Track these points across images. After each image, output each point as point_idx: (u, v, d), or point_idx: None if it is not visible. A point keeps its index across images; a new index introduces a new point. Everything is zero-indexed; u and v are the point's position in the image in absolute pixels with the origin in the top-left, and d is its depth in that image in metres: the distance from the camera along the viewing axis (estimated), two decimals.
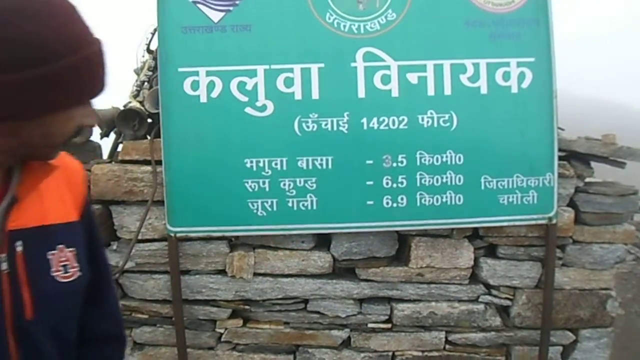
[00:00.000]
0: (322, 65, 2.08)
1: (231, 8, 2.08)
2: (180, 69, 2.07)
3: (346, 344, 2.38)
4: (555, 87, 2.12)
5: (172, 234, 2.13)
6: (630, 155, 2.20)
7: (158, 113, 2.11)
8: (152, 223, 2.23)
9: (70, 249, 0.86)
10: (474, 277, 2.33)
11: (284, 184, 2.08)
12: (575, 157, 2.28)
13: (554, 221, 2.17)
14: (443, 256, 2.25)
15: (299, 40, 2.09)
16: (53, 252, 0.83)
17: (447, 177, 2.10)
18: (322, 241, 2.29)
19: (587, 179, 2.28)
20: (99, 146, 2.50)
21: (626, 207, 2.27)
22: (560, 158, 2.22)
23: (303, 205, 2.10)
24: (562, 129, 2.31)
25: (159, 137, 2.13)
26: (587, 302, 2.36)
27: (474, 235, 2.27)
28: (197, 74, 2.07)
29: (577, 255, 2.31)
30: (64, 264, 0.84)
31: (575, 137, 2.25)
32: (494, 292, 2.33)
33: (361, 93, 2.08)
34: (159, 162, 2.14)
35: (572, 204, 2.28)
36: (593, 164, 2.32)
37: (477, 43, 2.09)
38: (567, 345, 2.43)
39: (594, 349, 2.43)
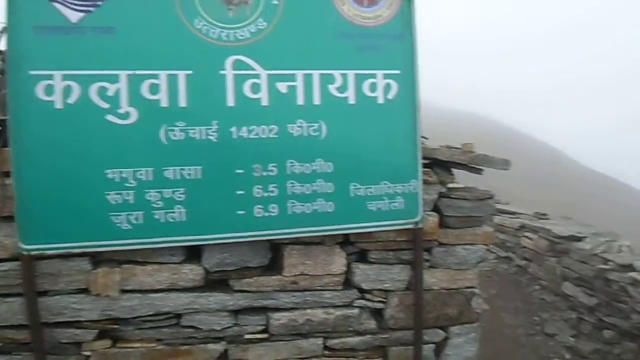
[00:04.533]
0: (190, 72, 2.28)
1: (92, 9, 2.18)
2: (32, 72, 2.12)
3: (223, 357, 2.60)
4: (419, 98, 2.54)
5: (26, 253, 2.20)
6: (487, 162, 2.70)
7: (6, 120, 2.18)
8: (1, 242, 2.28)
9: None
10: (348, 283, 2.69)
11: (150, 196, 2.26)
12: (438, 165, 2.73)
13: (420, 226, 2.60)
14: (316, 263, 2.58)
15: (166, 45, 2.25)
16: None
17: (317, 186, 2.42)
18: (193, 253, 2.49)
19: (450, 185, 2.76)
20: None
21: (484, 210, 2.76)
22: (424, 166, 2.64)
23: (171, 217, 2.30)
24: (426, 138, 2.75)
25: (7, 146, 2.18)
26: (454, 301, 2.84)
27: (345, 241, 2.63)
28: (51, 78, 2.14)
29: (443, 257, 2.77)
30: None
31: (437, 146, 2.70)
32: (367, 296, 2.71)
33: (231, 102, 2.31)
34: (7, 174, 2.21)
35: (436, 208, 2.73)
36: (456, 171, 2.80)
37: (346, 55, 2.43)
38: (439, 343, 2.87)
39: (463, 344, 2.91)
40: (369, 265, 2.66)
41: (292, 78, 2.36)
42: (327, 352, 2.73)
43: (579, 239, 5.84)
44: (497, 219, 7.34)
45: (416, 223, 2.56)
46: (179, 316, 2.54)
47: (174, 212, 2.29)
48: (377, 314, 2.78)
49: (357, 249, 2.65)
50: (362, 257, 2.68)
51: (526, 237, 6.58)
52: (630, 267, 5.17)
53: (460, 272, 2.79)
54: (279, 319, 2.61)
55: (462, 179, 2.82)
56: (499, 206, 7.73)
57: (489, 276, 6.66)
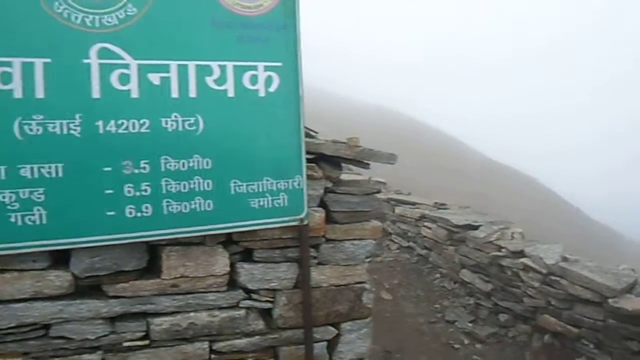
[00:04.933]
0: (48, 60, 2.08)
1: None
2: None
3: None
4: (301, 91, 2.48)
5: None
6: (373, 156, 2.71)
7: None
8: None
9: None
10: (233, 283, 2.61)
11: (4, 197, 2.06)
12: (324, 160, 2.71)
13: (305, 222, 2.57)
14: (197, 264, 2.48)
15: (20, 30, 2.04)
16: None
17: (194, 183, 2.32)
18: (60, 258, 2.31)
19: (341, 179, 2.74)
20: None
21: (371, 204, 2.78)
22: (309, 160, 2.62)
23: (30, 219, 2.10)
24: (315, 132, 2.73)
25: None
26: (344, 297, 2.84)
27: (228, 240, 2.55)
28: None
29: (331, 253, 2.76)
30: None
31: (323, 140, 2.68)
32: (254, 296, 2.65)
33: (96, 93, 2.14)
34: None
35: (322, 204, 2.72)
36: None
37: (225, 45, 2.34)
38: (331, 340, 2.86)
39: (355, 340, 2.93)
40: (254, 264, 2.60)
41: (165, 69, 2.24)
42: (213, 356, 2.64)
43: (475, 227, 6.12)
44: (399, 210, 7.55)
45: (301, 219, 2.53)
46: (47, 326, 2.35)
47: (32, 214, 2.10)
48: (266, 313, 2.73)
49: (241, 247, 2.58)
50: (247, 256, 2.61)
51: (426, 226, 6.82)
52: (521, 253, 5.49)
53: (349, 267, 2.79)
54: (160, 324, 2.49)
55: (378, 172, 2.82)
56: (400, 197, 7.97)
57: (391, 266, 6.85)
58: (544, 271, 5.05)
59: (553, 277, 4.97)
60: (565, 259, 5.17)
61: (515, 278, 5.48)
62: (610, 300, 4.41)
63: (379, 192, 2.77)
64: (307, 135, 2.81)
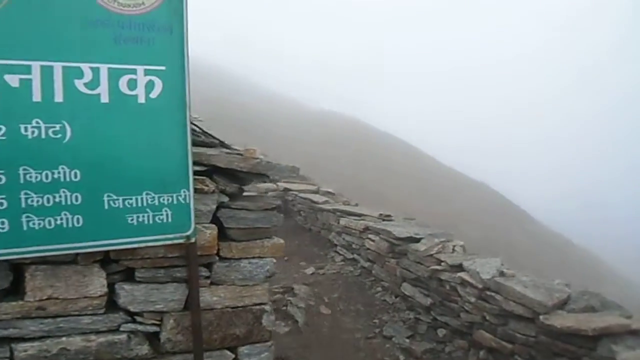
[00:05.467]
0: None
1: None
2: None
3: None
4: (188, 97, 2.30)
5: None
6: (271, 169, 2.54)
7: None
8: None
9: None
10: (113, 305, 2.41)
11: None
12: (219, 172, 2.53)
13: (192, 240, 2.37)
14: (68, 285, 2.26)
15: None
16: None
17: (60, 197, 2.10)
18: None
19: (246, 193, 2.56)
20: None
21: (270, 220, 2.61)
22: (200, 173, 2.43)
23: None
24: (220, 141, 2.54)
25: None
26: (241, 320, 2.65)
27: (106, 259, 2.35)
28: None
29: (226, 273, 2.57)
30: None
31: (216, 152, 2.49)
32: (138, 319, 2.44)
33: None
34: None
35: (216, 220, 2.54)
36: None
37: (98, 45, 2.13)
38: None
39: None
40: (136, 284, 2.39)
41: (25, 70, 2.02)
42: None
43: (417, 240, 6.01)
44: (344, 221, 7.40)
45: (187, 237, 2.33)
46: None
47: None
48: (153, 337, 2.52)
49: (121, 267, 2.37)
50: (129, 275, 2.40)
51: (369, 238, 6.67)
52: (459, 267, 5.38)
53: (246, 287, 2.62)
54: (26, 349, 2.26)
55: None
56: (346, 208, 7.82)
57: (333, 279, 6.68)
58: (480, 286, 4.95)
59: (488, 292, 4.87)
60: (502, 274, 5.08)
61: (453, 292, 5.37)
62: (541, 317, 4.33)
63: (277, 208, 2.59)
64: (204, 144, 2.63)
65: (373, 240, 6.59)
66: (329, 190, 9.49)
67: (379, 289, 6.47)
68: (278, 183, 9.92)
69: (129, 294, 2.38)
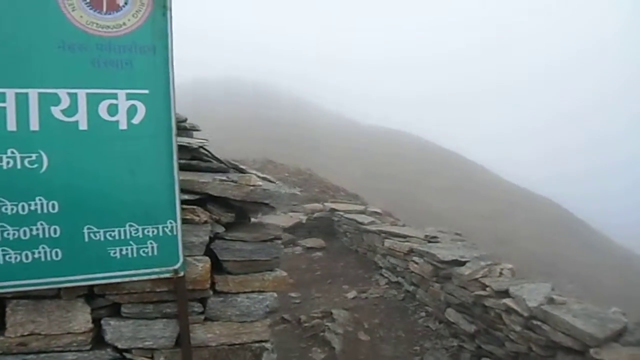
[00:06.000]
0: None
1: None
2: None
3: None
4: (174, 122, 2.16)
5: None
6: (269, 197, 2.35)
7: None
8: None
9: None
10: (101, 341, 2.28)
11: None
12: (214, 201, 2.37)
13: (181, 273, 2.21)
14: (51, 320, 2.15)
15: None
16: None
17: (37, 229, 2.00)
18: None
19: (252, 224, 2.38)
20: None
21: (269, 252, 2.42)
22: (192, 202, 2.28)
23: None
24: (212, 158, 2.37)
25: None
26: (239, 358, 2.45)
27: (92, 293, 2.23)
28: None
29: (221, 308, 2.40)
30: None
31: (210, 179, 2.33)
32: (128, 355, 2.31)
33: None
34: None
35: (210, 252, 2.37)
36: None
37: (76, 70, 2.03)
38: None
39: None
40: (123, 320, 2.26)
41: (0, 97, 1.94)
42: None
43: (462, 264, 5.64)
44: (388, 242, 7.09)
45: (175, 271, 2.17)
46: None
47: None
48: None
49: (108, 301, 2.23)
50: (115, 311, 2.27)
51: (414, 261, 6.34)
52: (505, 293, 4.99)
53: (244, 324, 2.43)
54: None
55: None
56: (392, 229, 7.49)
57: (375, 304, 6.38)
58: (526, 314, 4.55)
59: (535, 322, 4.46)
60: (551, 301, 4.65)
61: (498, 320, 4.98)
62: (591, 350, 3.89)
63: (277, 238, 2.39)
64: (212, 169, 2.48)
65: (417, 263, 6.26)
66: (376, 210, 9.20)
67: (423, 314, 6.12)
68: (325, 203, 9.75)
69: (115, 330, 2.25)
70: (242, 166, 3.02)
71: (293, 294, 6.63)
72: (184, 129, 3.28)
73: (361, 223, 8.26)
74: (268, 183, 2.49)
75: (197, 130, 3.49)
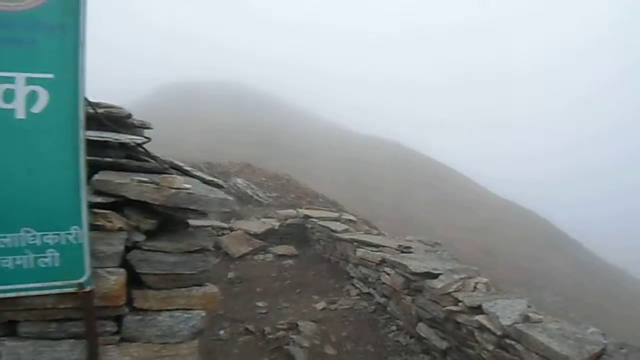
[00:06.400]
0: None
1: None
2: None
3: None
4: (81, 112, 1.87)
5: None
6: (193, 202, 2.05)
7: None
8: None
9: None
10: None
11: None
12: (132, 205, 2.07)
13: (87, 288, 1.91)
14: None
15: None
16: None
17: None
18: None
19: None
20: None
21: (196, 266, 2.12)
22: (106, 206, 1.98)
23: None
24: (152, 158, 2.09)
25: None
26: None
27: None
28: None
29: (140, 328, 2.09)
30: None
31: (127, 180, 2.03)
32: None
33: None
34: None
35: (127, 263, 2.07)
36: None
37: None
38: None
39: None
40: (21, 341, 1.95)
41: None
42: None
43: (435, 276, 5.37)
44: (360, 252, 6.80)
45: (80, 285, 1.87)
46: None
47: None
48: None
49: (3, 318, 1.92)
50: (12, 330, 1.96)
51: (385, 272, 6.05)
52: (478, 309, 4.71)
53: (166, 346, 2.13)
54: None
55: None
56: (364, 238, 7.21)
57: (344, 315, 6.08)
58: (499, 332, 4.27)
59: (508, 341, 4.19)
60: (526, 318, 4.38)
61: (470, 337, 4.70)
62: None
63: (205, 249, 2.10)
64: (147, 169, 2.18)
65: (389, 274, 5.99)
66: (351, 217, 8.91)
67: (393, 327, 5.84)
68: (298, 209, 9.44)
69: (12, 352, 1.95)
70: (186, 167, 2.73)
71: (260, 304, 6.32)
72: (131, 125, 2.99)
73: (334, 231, 7.98)
74: (200, 186, 2.19)
75: (148, 128, 3.20)
